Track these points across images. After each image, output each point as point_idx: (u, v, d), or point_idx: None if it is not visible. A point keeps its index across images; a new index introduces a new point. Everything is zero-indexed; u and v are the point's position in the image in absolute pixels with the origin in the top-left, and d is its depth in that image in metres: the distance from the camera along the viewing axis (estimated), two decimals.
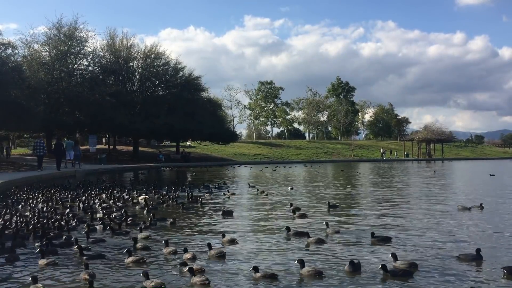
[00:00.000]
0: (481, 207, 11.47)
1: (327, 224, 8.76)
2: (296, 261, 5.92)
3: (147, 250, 7.09)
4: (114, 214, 10.49)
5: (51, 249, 6.96)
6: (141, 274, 5.38)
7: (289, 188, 17.84)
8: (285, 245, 7.47)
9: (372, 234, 7.79)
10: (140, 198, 13.99)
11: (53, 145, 34.12)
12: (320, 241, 7.54)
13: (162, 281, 5.29)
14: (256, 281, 5.42)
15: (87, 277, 5.47)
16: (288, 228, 8.14)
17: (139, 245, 7.27)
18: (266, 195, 15.50)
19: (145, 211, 11.30)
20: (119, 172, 34.09)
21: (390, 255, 6.26)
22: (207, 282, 5.33)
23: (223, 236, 7.71)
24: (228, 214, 10.78)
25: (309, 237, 7.71)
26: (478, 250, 6.44)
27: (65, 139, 36.00)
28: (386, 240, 7.71)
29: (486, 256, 6.49)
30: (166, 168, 39.50)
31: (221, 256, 6.54)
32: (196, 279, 5.37)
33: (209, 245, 6.87)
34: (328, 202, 11.89)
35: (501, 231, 8.69)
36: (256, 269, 5.57)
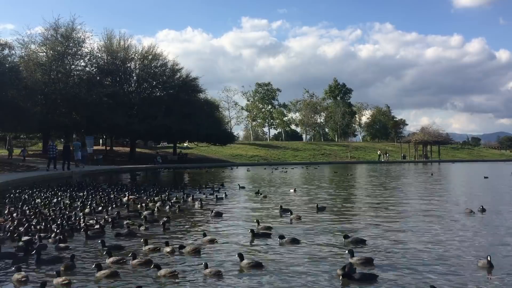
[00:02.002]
0: (482, 210, 11.42)
1: (258, 221, 9.40)
2: (236, 255, 6.41)
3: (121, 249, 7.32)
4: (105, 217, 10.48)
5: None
6: None
7: (292, 190, 17.76)
8: (261, 245, 7.71)
9: (346, 236, 7.96)
10: (125, 198, 13.99)
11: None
12: (294, 241, 7.83)
13: None
14: (206, 276, 5.81)
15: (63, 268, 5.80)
16: (252, 231, 8.39)
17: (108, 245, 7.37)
18: (265, 196, 15.50)
19: (143, 211, 11.31)
20: (116, 173, 34.03)
21: (347, 251, 6.54)
22: (176, 273, 5.76)
23: (204, 235, 8.07)
24: (218, 215, 10.84)
25: (283, 237, 7.90)
26: (488, 257, 6.23)
27: (61, 140, 36.16)
28: (360, 242, 7.77)
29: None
30: (165, 170, 39.42)
31: (196, 253, 7.02)
32: (164, 271, 5.77)
33: (181, 247, 7.27)
34: (317, 204, 11.93)
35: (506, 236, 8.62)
36: (206, 265, 6.00)
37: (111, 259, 6.50)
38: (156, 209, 12.03)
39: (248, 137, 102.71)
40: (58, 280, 5.50)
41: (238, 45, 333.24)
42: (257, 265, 6.18)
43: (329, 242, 7.94)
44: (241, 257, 6.35)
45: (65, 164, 28.20)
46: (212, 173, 35.06)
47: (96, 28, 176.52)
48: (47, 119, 38.48)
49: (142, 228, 9.15)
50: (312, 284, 5.61)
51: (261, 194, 16.00)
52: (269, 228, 9.03)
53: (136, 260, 6.39)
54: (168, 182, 24.69)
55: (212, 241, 7.85)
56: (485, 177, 25.83)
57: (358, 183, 24.15)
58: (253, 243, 7.92)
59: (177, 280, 5.70)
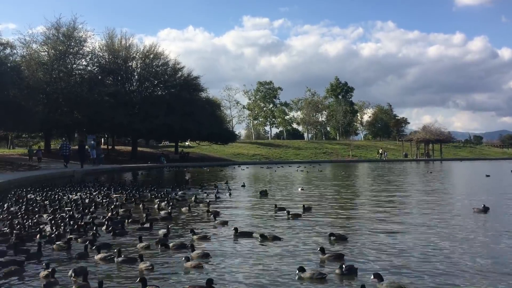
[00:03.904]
0: (484, 208, 11.29)
1: (215, 217, 10.12)
2: (188, 245, 7.00)
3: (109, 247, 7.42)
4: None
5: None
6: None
7: (299, 189, 17.70)
8: (246, 243, 7.80)
9: (331, 234, 8.01)
10: (113, 195, 13.99)
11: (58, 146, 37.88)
12: (276, 238, 7.95)
13: None
14: (186, 269, 6.14)
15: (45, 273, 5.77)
16: (236, 229, 8.52)
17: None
18: (266, 194, 15.46)
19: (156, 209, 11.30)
20: (117, 172, 34.05)
21: (318, 249, 6.71)
22: (150, 267, 6.07)
23: (194, 234, 8.21)
24: (215, 214, 10.83)
25: (264, 236, 8.02)
26: None
27: (63, 139, 36.49)
28: (342, 239, 7.83)
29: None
30: (165, 168, 39.49)
31: (180, 248, 7.27)
32: (142, 265, 6.12)
33: (165, 244, 7.48)
34: (303, 205, 11.80)
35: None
36: (187, 258, 6.32)
37: (99, 256, 6.60)
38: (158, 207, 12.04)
39: (250, 136, 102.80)
40: (43, 273, 5.75)
41: (239, 43, 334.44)
42: (204, 255, 6.66)
43: (311, 241, 7.89)
44: (192, 247, 6.90)
45: (83, 162, 30.20)
46: (214, 172, 35.07)
47: (97, 27, 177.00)
48: (48, 118, 38.54)
49: (147, 225, 9.20)
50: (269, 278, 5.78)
51: (262, 193, 15.88)
52: (226, 222, 9.51)
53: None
54: (171, 181, 24.67)
55: (204, 238, 8.02)
56: (487, 176, 25.76)
57: (354, 182, 24.11)
58: (236, 240, 8.05)
59: (154, 273, 5.93)
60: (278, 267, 6.27)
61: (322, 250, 6.66)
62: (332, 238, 7.89)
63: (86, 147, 34.06)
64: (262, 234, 8.09)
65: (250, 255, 6.98)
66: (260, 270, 6.15)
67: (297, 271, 5.80)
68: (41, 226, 8.81)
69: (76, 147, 35.84)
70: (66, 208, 11.62)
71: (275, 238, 7.97)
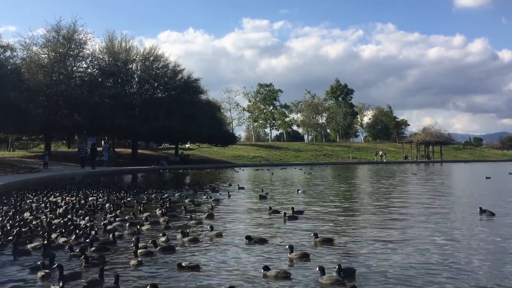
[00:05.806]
0: (481, 210, 11.24)
1: (191, 217, 10.33)
2: (133, 245, 7.24)
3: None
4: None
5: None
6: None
7: (299, 191, 17.66)
8: (233, 243, 7.90)
9: (315, 235, 8.05)
10: (90, 198, 14.06)
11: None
12: (262, 241, 7.97)
13: None
14: (180, 269, 6.26)
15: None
16: (211, 227, 8.82)
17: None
18: (265, 196, 15.44)
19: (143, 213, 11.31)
20: (118, 174, 34.05)
21: (287, 246, 6.91)
22: (137, 263, 6.43)
23: (184, 234, 8.32)
24: (210, 216, 10.87)
25: (250, 238, 8.03)
26: None
27: (63, 141, 36.83)
28: (328, 241, 7.83)
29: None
30: (164, 171, 39.51)
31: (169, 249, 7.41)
32: (132, 261, 6.51)
33: (154, 242, 7.55)
34: (292, 208, 11.68)
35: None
36: (179, 265, 6.38)
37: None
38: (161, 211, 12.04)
39: (250, 138, 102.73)
40: (39, 274, 5.98)
41: (239, 46, 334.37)
42: (148, 253, 6.99)
43: (298, 243, 7.88)
44: (139, 240, 7.43)
45: (94, 164, 32.86)
46: (216, 174, 35.12)
47: (97, 29, 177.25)
48: (49, 120, 38.55)
49: (144, 227, 9.22)
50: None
51: (261, 195, 15.84)
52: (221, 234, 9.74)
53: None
54: (172, 183, 24.68)
55: (195, 240, 8.05)
56: (487, 177, 25.75)
57: (350, 184, 24.12)
58: (212, 240, 8.23)
59: (141, 269, 6.16)
60: (254, 267, 6.31)
61: (291, 248, 6.76)
62: (316, 239, 7.87)
63: (99, 149, 36.69)
64: (248, 236, 8.05)
65: (228, 252, 7.17)
66: (235, 270, 6.23)
67: (262, 270, 5.92)
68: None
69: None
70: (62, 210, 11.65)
71: (262, 240, 7.93)
